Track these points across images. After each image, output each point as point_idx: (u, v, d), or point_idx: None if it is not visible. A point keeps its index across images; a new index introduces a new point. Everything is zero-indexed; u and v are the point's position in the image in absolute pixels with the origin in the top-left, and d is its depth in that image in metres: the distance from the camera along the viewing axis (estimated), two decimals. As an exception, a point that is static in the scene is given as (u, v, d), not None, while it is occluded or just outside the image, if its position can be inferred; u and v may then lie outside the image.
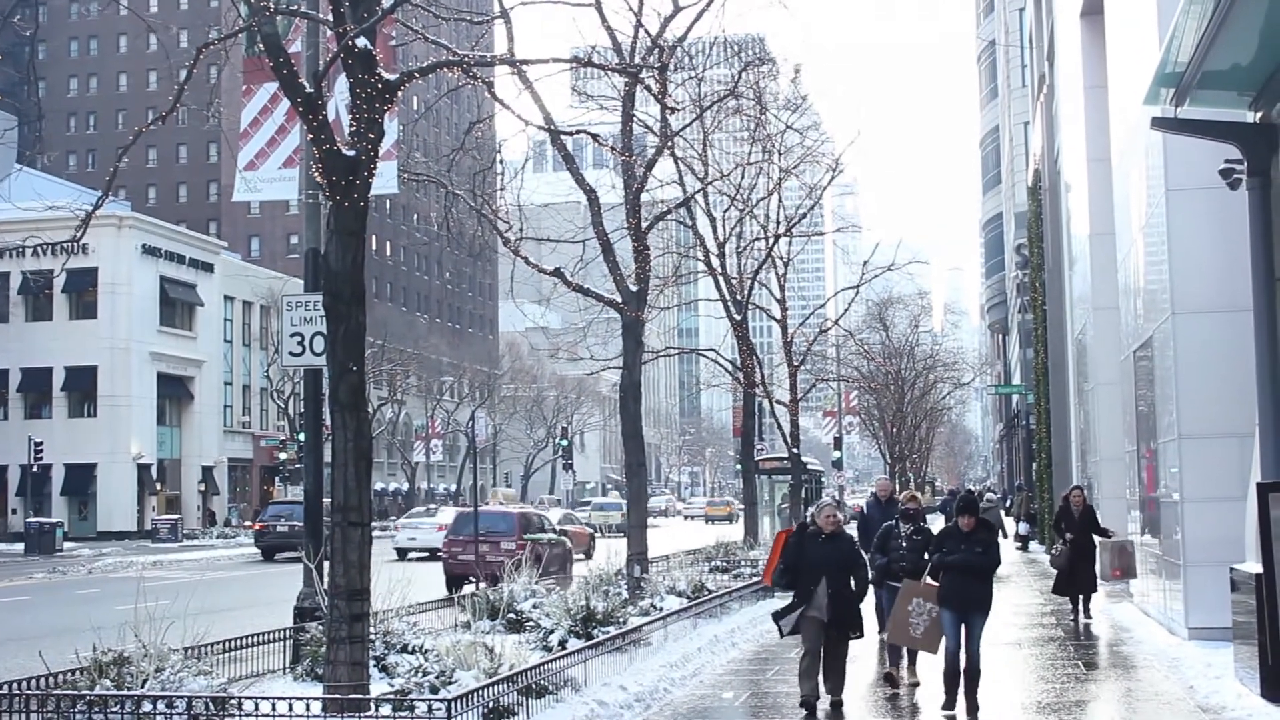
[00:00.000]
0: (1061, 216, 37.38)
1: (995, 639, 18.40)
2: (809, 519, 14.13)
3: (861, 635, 14.14)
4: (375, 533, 51.67)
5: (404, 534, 49.55)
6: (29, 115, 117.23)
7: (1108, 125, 25.78)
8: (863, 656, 17.42)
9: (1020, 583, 30.78)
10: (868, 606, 14.92)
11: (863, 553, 14.98)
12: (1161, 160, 18.30)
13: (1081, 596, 22.74)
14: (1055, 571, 23.33)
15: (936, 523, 24.48)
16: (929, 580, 13.97)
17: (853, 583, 13.95)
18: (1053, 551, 23.82)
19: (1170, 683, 15.53)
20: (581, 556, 40.65)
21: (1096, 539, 23.27)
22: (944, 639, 13.77)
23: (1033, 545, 45.35)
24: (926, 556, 14.47)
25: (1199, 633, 17.82)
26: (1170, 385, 18.48)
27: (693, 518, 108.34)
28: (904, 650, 15.40)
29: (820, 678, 13.84)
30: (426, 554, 44.22)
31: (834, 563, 13.77)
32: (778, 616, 14.02)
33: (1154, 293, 19.89)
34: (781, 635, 14.23)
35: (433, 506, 69.51)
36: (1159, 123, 16.22)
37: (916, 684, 15.33)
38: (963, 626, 13.50)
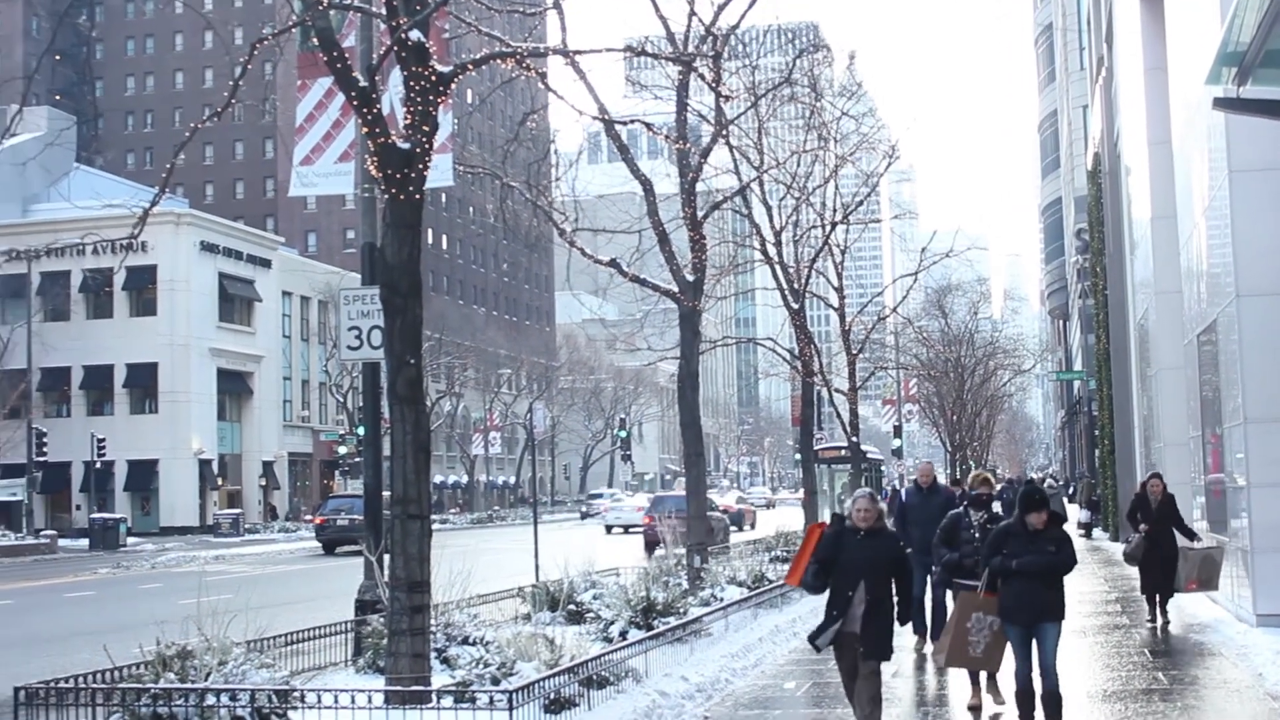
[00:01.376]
0: (1122, 200, 37.01)
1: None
2: (846, 512, 11.46)
3: (887, 659, 11.21)
4: (587, 515, 74.91)
5: (611, 514, 67.18)
6: (87, 114, 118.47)
7: (1168, 107, 25.49)
8: (912, 663, 17.30)
9: (1084, 569, 30.52)
10: (902, 615, 11.57)
11: (908, 558, 11.83)
12: (1224, 141, 18.06)
13: (1159, 597, 19.81)
14: (1123, 560, 20.97)
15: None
16: (987, 591, 11.74)
17: (894, 591, 11.23)
18: (1126, 542, 20.81)
19: (1238, 670, 15.34)
20: (750, 528, 60.19)
21: (1182, 539, 19.83)
22: (1012, 659, 11.66)
23: (1096, 532, 45.02)
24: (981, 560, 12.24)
25: (1267, 620, 17.61)
26: (1235, 369, 18.26)
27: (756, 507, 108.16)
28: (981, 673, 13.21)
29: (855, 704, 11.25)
30: (623, 529, 62.26)
31: (873, 564, 11.03)
32: (814, 637, 11.34)
33: (1217, 275, 19.66)
34: (819, 652, 11.63)
35: (627, 493, 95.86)
36: (1221, 103, 15.98)
37: (999, 713, 13.03)
38: (1033, 642, 11.39)
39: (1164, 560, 19.58)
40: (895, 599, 11.17)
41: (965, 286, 74.35)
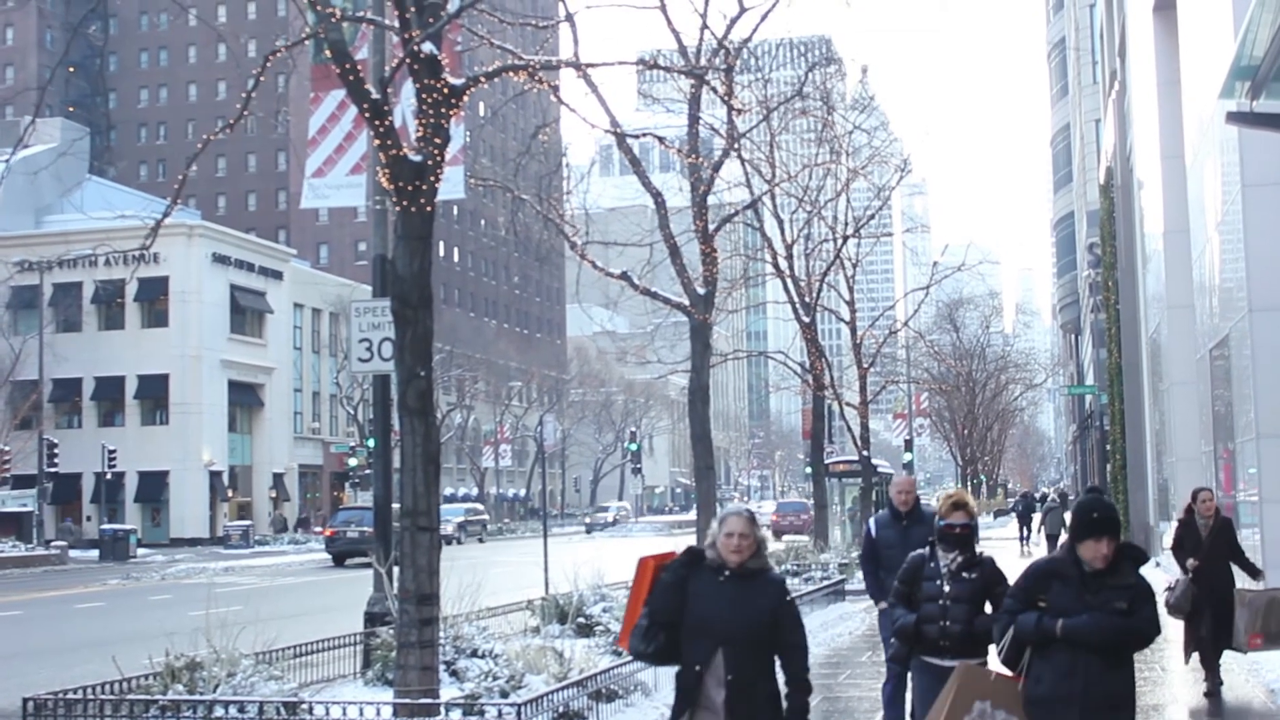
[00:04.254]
0: (1134, 214, 36.98)
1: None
2: (710, 538, 7.38)
3: None
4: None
5: (760, 512, 70.63)
6: (100, 126, 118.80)
7: (1181, 121, 25.47)
8: None
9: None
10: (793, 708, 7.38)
11: (801, 618, 7.66)
12: (1237, 155, 18.05)
13: (1210, 653, 14.64)
14: (1168, 614, 14.03)
15: (1005, 531, 23.50)
16: (1002, 669, 7.51)
17: (779, 673, 7.35)
18: (1168, 588, 14.50)
19: (1250, 686, 15.27)
20: None
21: (1242, 579, 14.84)
22: None
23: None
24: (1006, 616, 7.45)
25: (1280, 635, 17.50)
26: (1248, 384, 18.21)
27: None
28: None
29: None
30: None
31: (740, 624, 7.12)
32: None
33: (1230, 290, 19.62)
34: None
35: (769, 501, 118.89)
36: (1234, 117, 15.95)
37: None
38: None
39: (1218, 605, 14.32)
40: (789, 688, 7.38)
41: (977, 300, 74.51)
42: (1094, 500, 7.24)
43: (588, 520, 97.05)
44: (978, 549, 9.06)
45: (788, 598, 7.44)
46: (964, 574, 8.84)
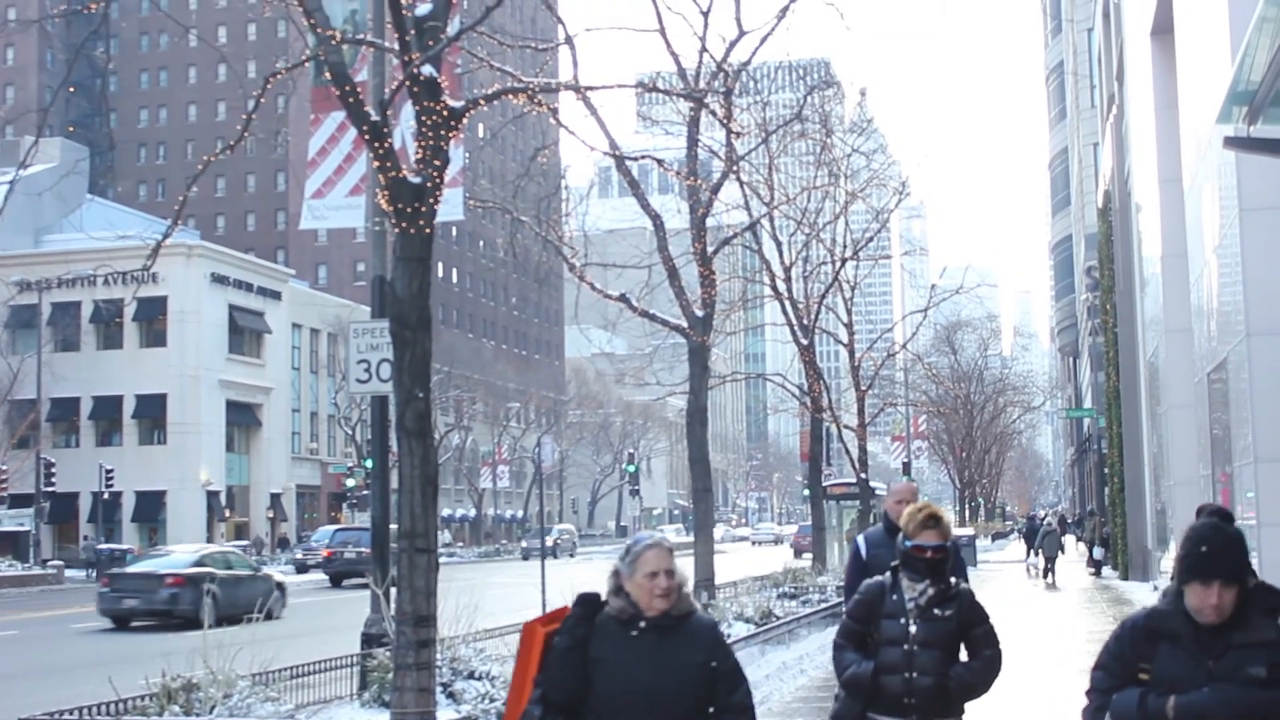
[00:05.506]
0: (1132, 238, 37.02)
1: (1065, 663, 18.14)
2: (615, 579, 5.70)
3: None
4: (743, 535, 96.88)
5: (759, 534, 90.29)
6: (100, 146, 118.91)
7: (1179, 145, 25.50)
8: None
9: (1094, 608, 30.39)
10: None
11: (742, 671, 5.85)
12: (1234, 180, 18.05)
13: None
14: None
15: (1005, 555, 23.18)
16: None
17: None
18: None
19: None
20: None
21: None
22: None
23: (1105, 570, 44.87)
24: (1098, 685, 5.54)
25: (1277, 660, 17.45)
26: (1245, 408, 18.19)
27: (760, 543, 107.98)
28: None
29: None
30: (761, 542, 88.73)
31: (667, 687, 5.48)
32: None
33: (1228, 314, 19.62)
34: None
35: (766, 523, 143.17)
36: (1231, 142, 15.97)
37: None
38: None
39: None
40: None
41: (975, 323, 74.52)
42: (1206, 528, 5.52)
43: (523, 544, 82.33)
44: (953, 579, 6.94)
45: (724, 645, 5.74)
46: (935, 611, 6.77)
